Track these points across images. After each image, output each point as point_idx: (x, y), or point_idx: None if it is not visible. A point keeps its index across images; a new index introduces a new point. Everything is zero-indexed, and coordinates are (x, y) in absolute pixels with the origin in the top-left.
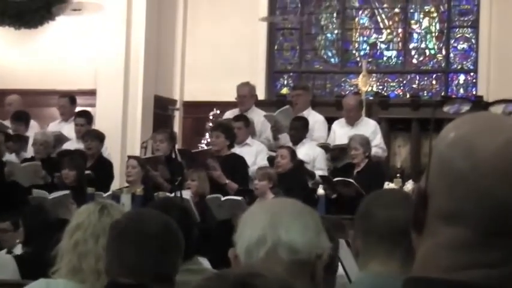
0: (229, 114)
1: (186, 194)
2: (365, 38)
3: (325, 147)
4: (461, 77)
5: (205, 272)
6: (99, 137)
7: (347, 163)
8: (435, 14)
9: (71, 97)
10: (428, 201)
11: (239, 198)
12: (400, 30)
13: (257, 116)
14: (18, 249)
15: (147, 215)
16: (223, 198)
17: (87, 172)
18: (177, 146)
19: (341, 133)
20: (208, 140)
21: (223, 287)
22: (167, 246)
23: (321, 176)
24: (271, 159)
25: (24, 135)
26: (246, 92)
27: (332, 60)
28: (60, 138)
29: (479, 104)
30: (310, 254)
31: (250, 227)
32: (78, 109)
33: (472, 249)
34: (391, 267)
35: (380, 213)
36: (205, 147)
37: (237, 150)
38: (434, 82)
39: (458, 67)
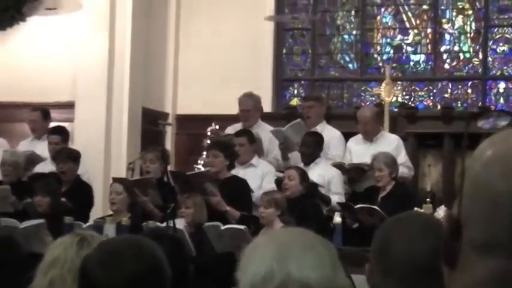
0: (230, 129)
1: (180, 224)
2: (388, 40)
3: (339, 166)
4: (501, 85)
5: None
6: (72, 157)
7: (369, 186)
8: (470, 12)
9: (43, 110)
10: (462, 231)
11: (242, 227)
12: (429, 30)
13: (264, 132)
14: None
15: (125, 249)
16: (223, 227)
17: (62, 199)
18: (169, 167)
19: (358, 151)
20: (206, 160)
21: None
22: None
23: (340, 204)
24: (279, 182)
25: None
26: (249, 105)
27: (350, 65)
28: (33, 159)
29: None
30: None
31: (255, 262)
32: (53, 124)
33: None
34: None
35: (400, 248)
36: (202, 169)
37: (240, 172)
38: (469, 91)
39: (498, 73)
